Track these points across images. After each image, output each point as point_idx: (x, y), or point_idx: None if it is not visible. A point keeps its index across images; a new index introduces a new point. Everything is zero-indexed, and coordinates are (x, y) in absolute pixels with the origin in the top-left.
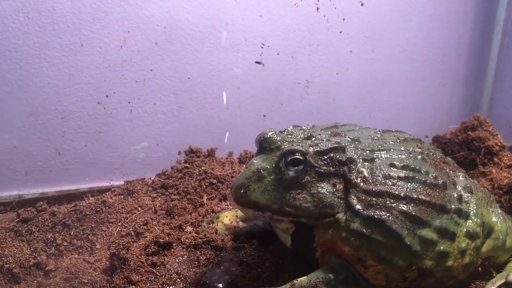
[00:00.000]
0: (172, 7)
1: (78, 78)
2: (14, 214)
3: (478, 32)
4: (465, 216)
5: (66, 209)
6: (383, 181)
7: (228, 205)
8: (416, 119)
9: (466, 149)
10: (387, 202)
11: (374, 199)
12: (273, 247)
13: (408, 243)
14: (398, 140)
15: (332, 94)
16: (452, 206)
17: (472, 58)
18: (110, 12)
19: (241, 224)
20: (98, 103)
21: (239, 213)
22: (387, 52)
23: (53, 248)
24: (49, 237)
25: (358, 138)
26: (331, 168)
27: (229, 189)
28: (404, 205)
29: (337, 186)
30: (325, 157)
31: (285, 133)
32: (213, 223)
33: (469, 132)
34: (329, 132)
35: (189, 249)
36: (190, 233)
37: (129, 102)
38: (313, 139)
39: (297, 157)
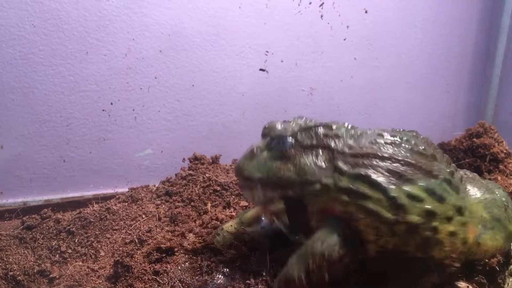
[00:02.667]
0: (176, 15)
1: (83, 86)
2: (18, 221)
3: (483, 39)
4: (456, 190)
5: (71, 216)
6: (370, 146)
7: (232, 213)
8: (420, 126)
9: (471, 156)
10: (373, 162)
11: (360, 160)
12: (278, 254)
13: (394, 195)
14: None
15: (336, 101)
16: (441, 176)
17: (477, 65)
18: (115, 20)
19: (245, 230)
20: (103, 110)
21: (243, 219)
22: (391, 59)
23: (57, 256)
24: (53, 244)
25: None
26: (315, 141)
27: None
28: (389, 164)
29: (321, 155)
30: (311, 132)
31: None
32: (218, 235)
33: (474, 139)
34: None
35: (192, 256)
36: (193, 240)
37: (133, 109)
38: (304, 119)
39: (284, 134)
